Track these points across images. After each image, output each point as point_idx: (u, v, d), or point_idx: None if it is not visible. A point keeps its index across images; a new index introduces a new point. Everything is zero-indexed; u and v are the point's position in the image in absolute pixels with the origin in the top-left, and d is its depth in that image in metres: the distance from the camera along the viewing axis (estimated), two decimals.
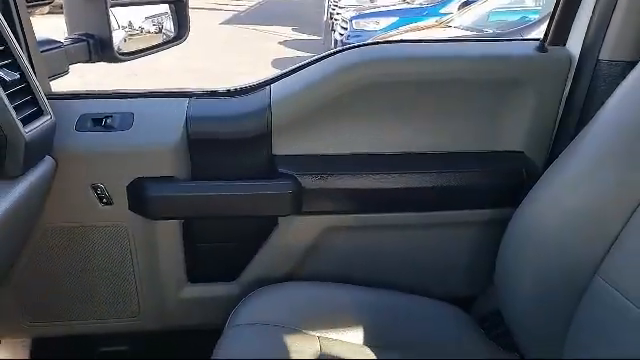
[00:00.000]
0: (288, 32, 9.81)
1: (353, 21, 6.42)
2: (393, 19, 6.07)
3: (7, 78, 0.64)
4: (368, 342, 0.74)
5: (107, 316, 0.88)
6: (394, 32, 5.50)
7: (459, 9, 5.66)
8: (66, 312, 0.88)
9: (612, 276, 0.62)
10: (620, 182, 0.63)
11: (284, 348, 0.69)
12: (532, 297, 0.72)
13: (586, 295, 0.65)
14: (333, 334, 0.73)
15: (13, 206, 0.64)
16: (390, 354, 0.72)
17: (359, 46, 0.89)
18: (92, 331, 0.90)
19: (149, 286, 0.87)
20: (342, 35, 6.64)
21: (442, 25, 5.06)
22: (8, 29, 0.68)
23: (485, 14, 4.87)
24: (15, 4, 0.78)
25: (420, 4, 7.00)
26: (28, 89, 0.69)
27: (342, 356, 0.70)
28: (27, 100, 0.68)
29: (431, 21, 5.60)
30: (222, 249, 0.87)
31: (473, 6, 5.36)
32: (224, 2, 14.48)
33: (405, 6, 7.05)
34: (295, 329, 0.72)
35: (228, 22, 11.02)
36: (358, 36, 6.07)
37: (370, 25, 6.21)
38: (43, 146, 0.72)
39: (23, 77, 0.68)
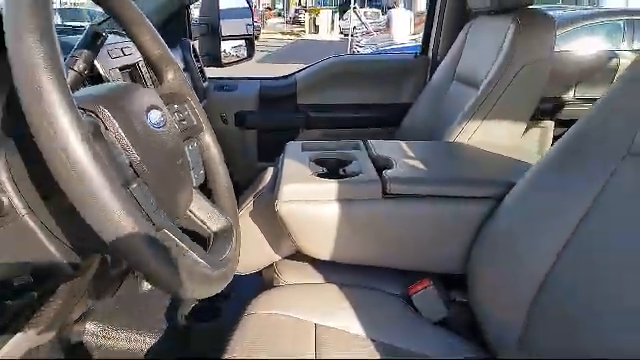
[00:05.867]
0: None
1: None
2: None
3: (197, 66, 1.73)
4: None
5: None
6: None
7: None
8: None
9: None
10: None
11: None
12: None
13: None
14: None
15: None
16: None
17: (337, 56, 1.98)
18: None
19: (240, 162, 1.93)
20: None
21: None
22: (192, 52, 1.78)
23: None
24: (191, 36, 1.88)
25: None
26: (203, 73, 1.78)
27: None
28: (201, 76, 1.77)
29: None
30: (273, 146, 1.92)
31: None
32: (259, 44, 16.06)
33: (415, 44, 8.22)
34: None
35: (263, 60, 12.44)
36: None
37: None
38: (205, 93, 1.80)
39: (202, 68, 1.77)
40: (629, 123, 0.72)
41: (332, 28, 20.73)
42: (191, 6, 1.89)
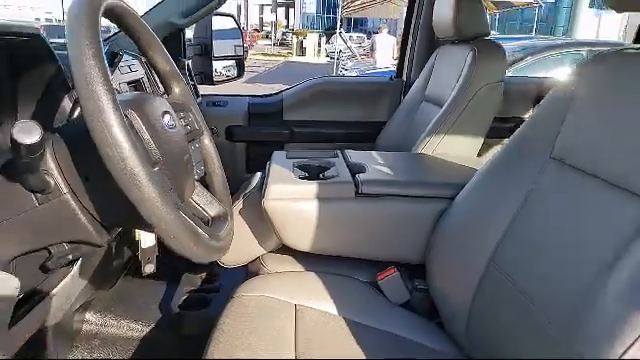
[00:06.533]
0: None
1: None
2: None
3: (191, 84, 1.89)
4: None
5: None
6: None
7: None
8: None
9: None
10: None
11: None
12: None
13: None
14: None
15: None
16: None
17: (321, 77, 2.15)
18: None
19: (229, 172, 2.07)
20: None
21: None
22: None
23: None
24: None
25: None
26: (197, 90, 1.93)
27: None
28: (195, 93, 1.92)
29: None
30: (260, 157, 2.07)
31: None
32: (246, 65, 16.30)
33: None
34: None
35: (249, 81, 12.68)
36: None
37: None
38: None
39: (195, 85, 1.92)
40: (551, 129, 0.89)
41: (319, 51, 21.17)
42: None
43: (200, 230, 0.66)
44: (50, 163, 0.63)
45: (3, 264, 0.62)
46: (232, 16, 2.17)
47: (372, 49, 10.05)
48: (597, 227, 0.73)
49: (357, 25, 29.88)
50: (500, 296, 0.87)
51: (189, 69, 1.89)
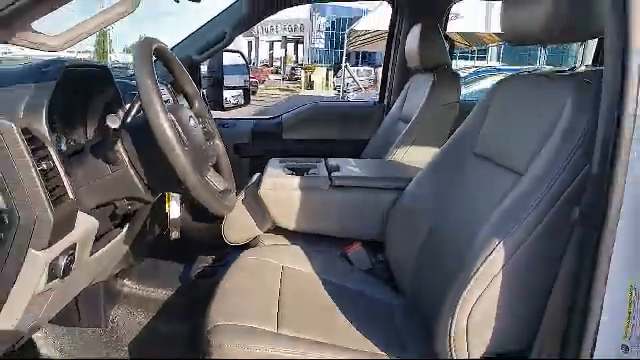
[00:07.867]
0: None
1: None
2: None
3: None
4: None
5: None
6: None
7: None
8: None
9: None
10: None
11: None
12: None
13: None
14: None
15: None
16: None
17: (314, 103, 2.53)
18: None
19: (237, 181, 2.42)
20: None
21: None
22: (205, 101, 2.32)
23: None
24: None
25: None
26: (210, 114, 2.30)
27: None
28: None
29: None
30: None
31: None
32: (257, 99, 16.95)
33: None
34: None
35: (259, 113, 13.23)
36: None
37: None
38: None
39: (209, 110, 2.30)
40: (475, 131, 1.22)
41: (327, 84, 21.85)
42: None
43: (214, 194, 1.00)
44: (119, 146, 0.98)
45: (88, 211, 0.96)
46: (240, 52, 2.56)
47: (375, 81, 10.55)
48: (491, 194, 1.05)
49: (365, 58, 30.72)
50: (433, 258, 1.20)
51: (204, 97, 2.27)
